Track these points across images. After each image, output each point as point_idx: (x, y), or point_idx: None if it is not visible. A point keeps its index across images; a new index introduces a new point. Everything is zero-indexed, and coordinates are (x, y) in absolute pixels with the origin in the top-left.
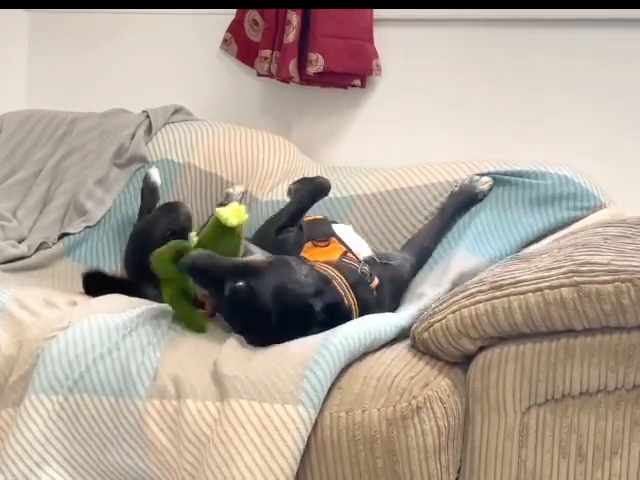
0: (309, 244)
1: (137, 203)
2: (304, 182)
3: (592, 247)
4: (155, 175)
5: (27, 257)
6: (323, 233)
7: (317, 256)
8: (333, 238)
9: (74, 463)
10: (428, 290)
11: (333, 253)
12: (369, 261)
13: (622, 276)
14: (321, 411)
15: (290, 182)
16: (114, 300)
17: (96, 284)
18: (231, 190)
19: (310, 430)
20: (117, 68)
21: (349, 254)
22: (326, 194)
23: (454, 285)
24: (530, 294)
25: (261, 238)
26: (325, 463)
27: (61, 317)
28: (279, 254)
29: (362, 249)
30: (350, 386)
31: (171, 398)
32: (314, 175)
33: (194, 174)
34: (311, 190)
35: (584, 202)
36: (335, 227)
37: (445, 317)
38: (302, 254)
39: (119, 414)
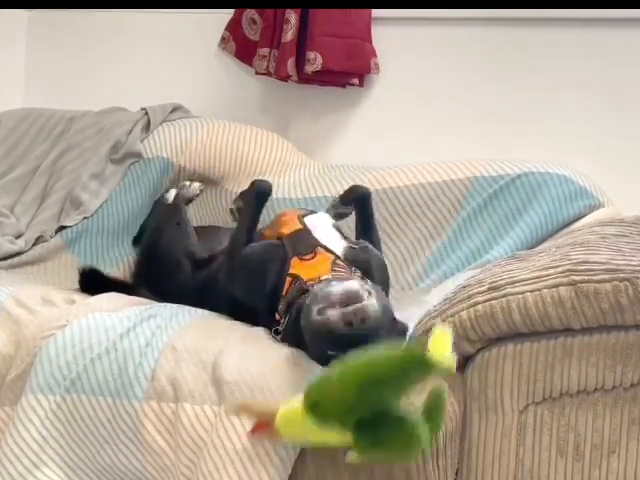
0: (295, 260)
1: (132, 196)
2: (243, 196)
3: (590, 246)
4: (170, 197)
5: (25, 252)
6: (306, 245)
7: (309, 272)
8: (317, 247)
9: (71, 463)
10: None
11: (324, 265)
12: (350, 251)
13: (620, 275)
14: None
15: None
16: (112, 298)
17: (92, 282)
18: (188, 183)
19: None
20: (115, 67)
21: (338, 261)
22: (269, 194)
23: None
24: (528, 294)
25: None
26: (321, 466)
27: (59, 315)
28: (260, 271)
29: (336, 242)
30: None
31: (169, 400)
32: (308, 168)
33: (187, 171)
34: (254, 197)
35: (583, 201)
36: (311, 219)
37: (444, 320)
38: (291, 271)
39: (116, 415)
